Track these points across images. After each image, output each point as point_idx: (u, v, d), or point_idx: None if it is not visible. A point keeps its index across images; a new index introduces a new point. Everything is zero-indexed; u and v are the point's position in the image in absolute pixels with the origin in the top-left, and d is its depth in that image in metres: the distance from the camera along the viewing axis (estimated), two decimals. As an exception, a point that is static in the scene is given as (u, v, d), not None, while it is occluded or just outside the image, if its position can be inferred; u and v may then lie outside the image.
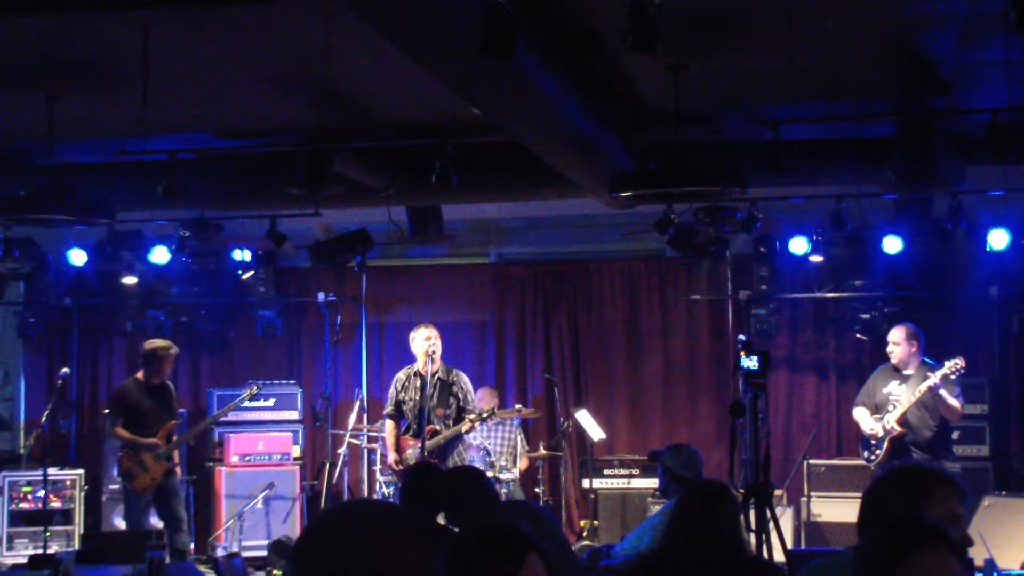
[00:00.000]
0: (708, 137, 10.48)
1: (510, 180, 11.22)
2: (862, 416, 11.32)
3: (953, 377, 10.87)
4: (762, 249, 13.04)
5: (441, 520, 7.21)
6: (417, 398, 11.50)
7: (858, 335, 13.44)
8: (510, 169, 10.93)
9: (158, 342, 12.09)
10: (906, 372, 11.16)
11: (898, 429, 10.95)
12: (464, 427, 11.42)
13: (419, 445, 11.25)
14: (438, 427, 11.42)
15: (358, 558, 2.10)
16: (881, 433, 11.07)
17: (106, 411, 12.76)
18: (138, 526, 11.58)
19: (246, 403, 13.24)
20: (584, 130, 8.77)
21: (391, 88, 9.19)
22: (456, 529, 6.80)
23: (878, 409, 11.20)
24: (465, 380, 11.76)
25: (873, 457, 11.14)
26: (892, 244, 12.30)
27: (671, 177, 9.28)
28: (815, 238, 12.59)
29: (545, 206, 13.26)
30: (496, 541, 2.88)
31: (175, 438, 11.82)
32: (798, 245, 12.68)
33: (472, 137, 10.02)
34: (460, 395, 11.57)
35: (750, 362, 8.10)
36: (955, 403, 10.85)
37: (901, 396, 11.04)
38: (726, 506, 5.75)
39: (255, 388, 12.67)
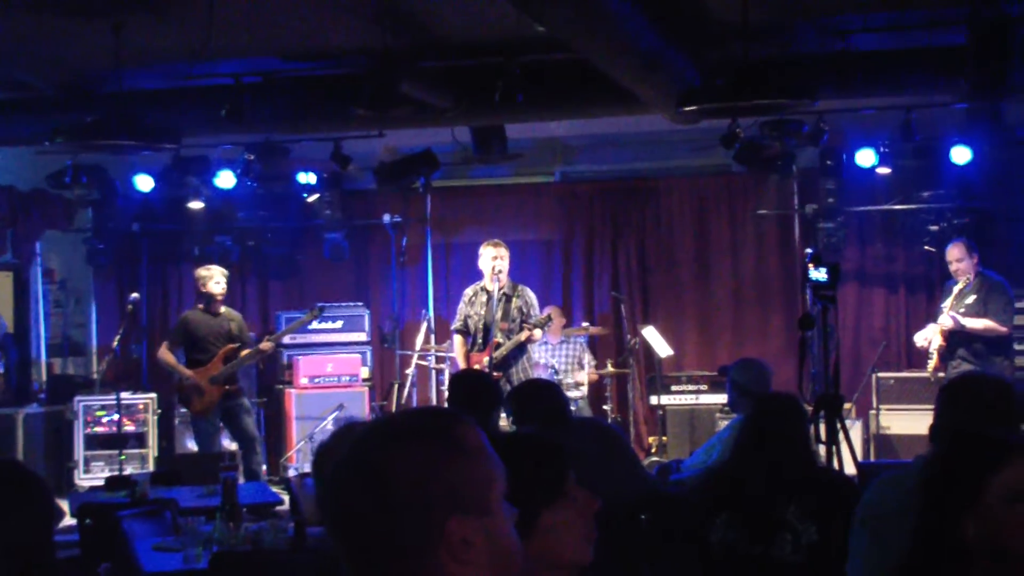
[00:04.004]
0: (777, 50, 10.34)
1: (575, 98, 11.12)
2: (925, 330, 11.69)
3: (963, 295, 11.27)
4: (829, 162, 12.90)
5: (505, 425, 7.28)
6: (483, 312, 11.51)
7: (927, 247, 13.32)
8: (575, 87, 10.83)
9: (198, 269, 12.22)
10: (963, 286, 11.37)
11: (940, 339, 11.28)
12: (522, 336, 11.40)
13: (485, 359, 11.30)
14: (501, 340, 11.43)
15: (370, 466, 2.09)
16: (928, 344, 11.48)
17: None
18: (208, 449, 11.73)
19: (313, 325, 13.36)
20: (651, 45, 8.67)
21: (456, 6, 9.13)
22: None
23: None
24: (530, 295, 11.73)
25: (928, 365, 11.55)
26: (961, 154, 12.15)
27: (738, 91, 9.17)
28: (882, 150, 12.46)
29: (610, 123, 13.17)
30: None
31: (233, 361, 11.95)
32: (865, 157, 12.55)
33: (537, 55, 9.95)
34: (525, 309, 11.55)
35: (819, 274, 8.02)
36: (981, 324, 11.17)
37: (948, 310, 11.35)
38: (796, 417, 5.75)
39: (317, 310, 12.70)
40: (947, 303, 11.39)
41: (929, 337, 11.43)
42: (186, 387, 11.81)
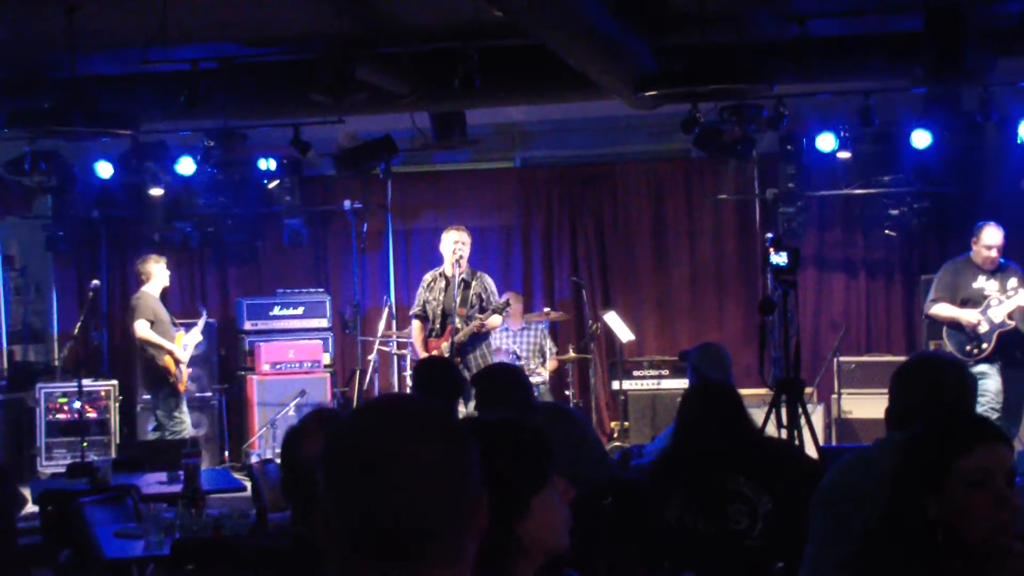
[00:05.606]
0: (733, 36, 10.36)
1: (534, 83, 11.14)
2: (950, 310, 11.16)
3: None
4: (789, 147, 12.95)
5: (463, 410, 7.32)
6: (441, 298, 11.51)
7: (887, 232, 13.38)
8: (534, 72, 10.84)
9: (151, 264, 12.48)
10: (990, 269, 11.09)
11: (1011, 323, 10.93)
12: (475, 324, 11.39)
13: (442, 345, 11.30)
14: (459, 326, 11.43)
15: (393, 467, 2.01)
16: (987, 327, 10.97)
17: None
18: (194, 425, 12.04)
19: (274, 312, 13.67)
20: (608, 31, 8.68)
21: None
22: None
23: (965, 304, 11.10)
24: (488, 281, 11.73)
25: (977, 351, 10.98)
26: (921, 139, 12.21)
27: (696, 75, 9.19)
28: (842, 135, 12.50)
29: (569, 109, 13.17)
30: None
31: (191, 346, 12.25)
32: (825, 142, 12.59)
33: (496, 40, 9.94)
34: (484, 295, 11.55)
35: (779, 258, 8.06)
36: None
37: (996, 291, 11.02)
38: (727, 398, 5.79)
39: (205, 315, 13.25)
40: (995, 284, 11.03)
41: (994, 320, 10.92)
42: (174, 366, 11.96)
